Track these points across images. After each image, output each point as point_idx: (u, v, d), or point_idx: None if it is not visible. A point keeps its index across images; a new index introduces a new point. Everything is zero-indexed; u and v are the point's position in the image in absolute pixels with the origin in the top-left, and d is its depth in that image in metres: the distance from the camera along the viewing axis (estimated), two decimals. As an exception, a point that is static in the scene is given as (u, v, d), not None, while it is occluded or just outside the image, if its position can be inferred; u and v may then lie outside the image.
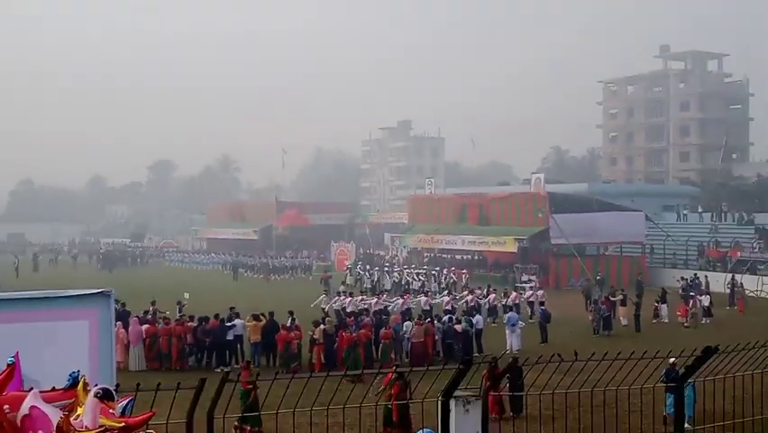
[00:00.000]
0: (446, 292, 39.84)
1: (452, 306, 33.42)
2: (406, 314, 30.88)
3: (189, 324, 27.13)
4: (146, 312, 29.39)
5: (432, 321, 27.97)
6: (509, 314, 31.36)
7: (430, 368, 6.80)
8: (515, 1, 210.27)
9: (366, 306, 33.68)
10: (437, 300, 36.72)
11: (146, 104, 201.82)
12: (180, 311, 31.40)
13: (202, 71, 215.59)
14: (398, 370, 16.27)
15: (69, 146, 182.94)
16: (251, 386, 15.73)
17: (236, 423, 15.65)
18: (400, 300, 34.90)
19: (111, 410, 4.37)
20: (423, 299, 36.25)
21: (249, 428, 15.92)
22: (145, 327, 26.58)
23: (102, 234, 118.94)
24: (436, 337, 27.38)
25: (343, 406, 7.67)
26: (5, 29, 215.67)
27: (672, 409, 13.13)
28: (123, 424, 4.39)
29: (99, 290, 8.42)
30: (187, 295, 36.72)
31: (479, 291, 37.46)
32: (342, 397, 7.78)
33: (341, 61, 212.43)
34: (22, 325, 7.35)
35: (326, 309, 33.63)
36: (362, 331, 25.77)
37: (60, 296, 8.39)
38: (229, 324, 26.91)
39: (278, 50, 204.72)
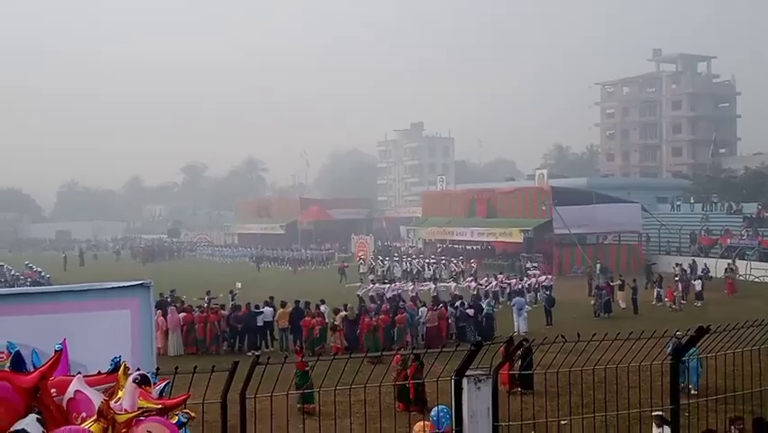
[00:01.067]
0: (451, 280, 40.11)
1: (458, 292, 33.47)
2: (416, 299, 30.87)
3: (222, 312, 27.30)
4: (180, 301, 29.76)
5: (445, 306, 28.01)
6: (516, 299, 31.40)
7: (444, 349, 6.54)
8: (519, 12, 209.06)
9: (400, 291, 33.95)
10: (443, 287, 36.73)
11: (179, 112, 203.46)
12: (233, 299, 31.66)
13: (233, 83, 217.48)
14: (415, 352, 16.47)
15: (110, 153, 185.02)
16: (307, 368, 16.34)
17: (298, 404, 15.81)
18: (410, 286, 35.36)
19: (149, 394, 4.37)
20: (431, 285, 36.33)
21: (306, 405, 16.13)
22: (182, 315, 26.80)
23: (141, 231, 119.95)
24: (450, 321, 27.44)
25: (364, 385, 7.66)
26: (65, 60, 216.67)
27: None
28: (161, 406, 4.39)
29: (140, 282, 8.26)
30: (239, 285, 37.20)
31: (484, 280, 37.49)
32: (363, 377, 7.79)
33: (358, 69, 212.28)
34: (70, 314, 7.33)
35: (361, 295, 33.57)
36: (381, 317, 25.98)
37: (104, 288, 8.22)
38: (257, 311, 27.10)
39: (302, 60, 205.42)
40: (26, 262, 57.73)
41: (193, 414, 4.74)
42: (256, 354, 19.89)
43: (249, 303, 27.75)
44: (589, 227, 54.18)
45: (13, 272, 49.74)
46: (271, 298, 28.53)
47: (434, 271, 48.54)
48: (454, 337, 26.87)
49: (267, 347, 26.40)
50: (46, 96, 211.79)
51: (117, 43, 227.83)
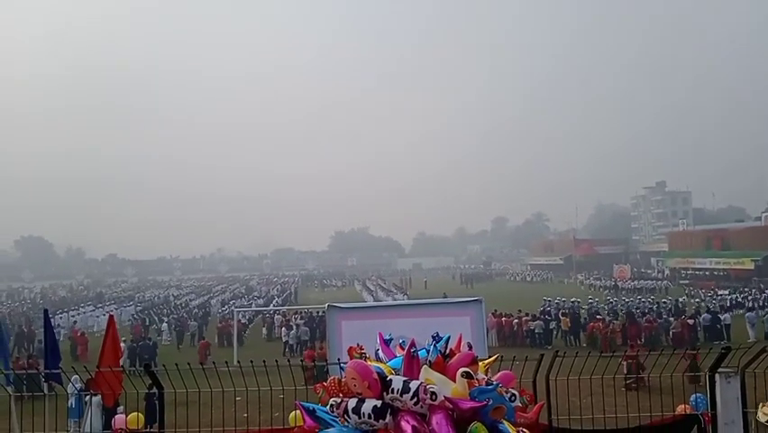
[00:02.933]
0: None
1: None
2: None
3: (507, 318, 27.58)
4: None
5: (691, 318, 27.14)
6: (748, 313, 28.78)
7: (698, 351, 6.25)
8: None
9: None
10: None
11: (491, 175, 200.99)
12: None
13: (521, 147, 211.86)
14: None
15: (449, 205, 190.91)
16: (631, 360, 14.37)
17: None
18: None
19: (475, 382, 3.72)
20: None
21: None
22: (495, 320, 27.14)
23: (465, 262, 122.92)
24: (698, 329, 26.30)
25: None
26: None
27: None
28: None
29: (475, 298, 8.40)
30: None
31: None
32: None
33: (610, 135, 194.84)
34: (428, 319, 7.42)
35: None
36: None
37: (452, 301, 8.88)
38: (538, 319, 27.12)
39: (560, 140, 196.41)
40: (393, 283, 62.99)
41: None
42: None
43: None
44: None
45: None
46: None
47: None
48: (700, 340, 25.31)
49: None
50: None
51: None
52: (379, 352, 4.27)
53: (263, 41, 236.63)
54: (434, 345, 3.95)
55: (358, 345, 4.17)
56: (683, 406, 7.12)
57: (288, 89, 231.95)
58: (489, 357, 4.68)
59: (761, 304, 34.40)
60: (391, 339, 4.40)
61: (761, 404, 6.87)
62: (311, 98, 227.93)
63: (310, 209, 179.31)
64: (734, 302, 34.54)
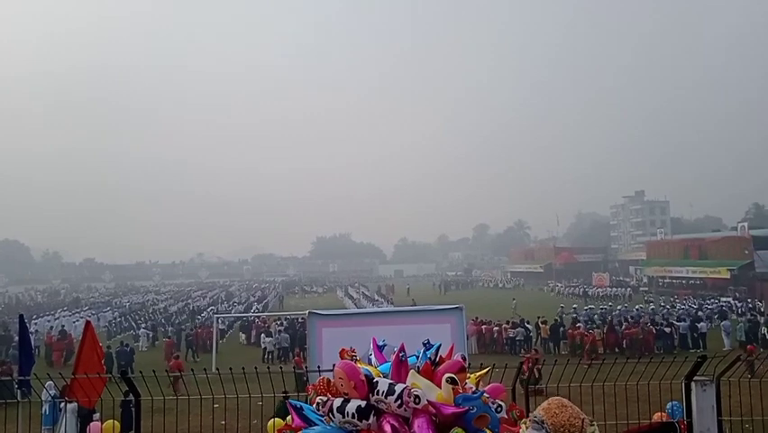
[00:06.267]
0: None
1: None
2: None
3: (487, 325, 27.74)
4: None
5: (669, 326, 27.25)
6: (723, 322, 28.98)
7: (675, 360, 5.90)
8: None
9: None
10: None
11: (482, 187, 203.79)
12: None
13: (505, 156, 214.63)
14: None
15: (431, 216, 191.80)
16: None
17: None
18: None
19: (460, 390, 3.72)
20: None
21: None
22: (475, 327, 27.15)
23: (446, 269, 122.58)
24: (676, 336, 26.43)
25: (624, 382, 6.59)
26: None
27: None
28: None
29: (456, 306, 8.39)
30: (514, 300, 38.92)
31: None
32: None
33: (594, 148, 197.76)
34: (409, 326, 7.44)
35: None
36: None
37: (433, 309, 8.71)
38: (519, 326, 27.26)
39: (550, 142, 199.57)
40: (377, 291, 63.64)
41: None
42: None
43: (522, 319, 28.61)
44: (786, 266, 48.62)
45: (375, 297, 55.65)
46: (539, 317, 28.53)
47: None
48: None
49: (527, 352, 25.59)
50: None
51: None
52: (372, 357, 4.30)
53: (250, 44, 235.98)
54: (424, 352, 3.99)
55: (351, 348, 4.18)
56: (660, 414, 7.19)
57: (273, 93, 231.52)
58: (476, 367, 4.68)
59: (740, 312, 34.96)
60: (385, 345, 4.44)
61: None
62: (296, 103, 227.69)
63: (292, 214, 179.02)
64: (690, 313, 34.60)
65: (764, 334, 27.03)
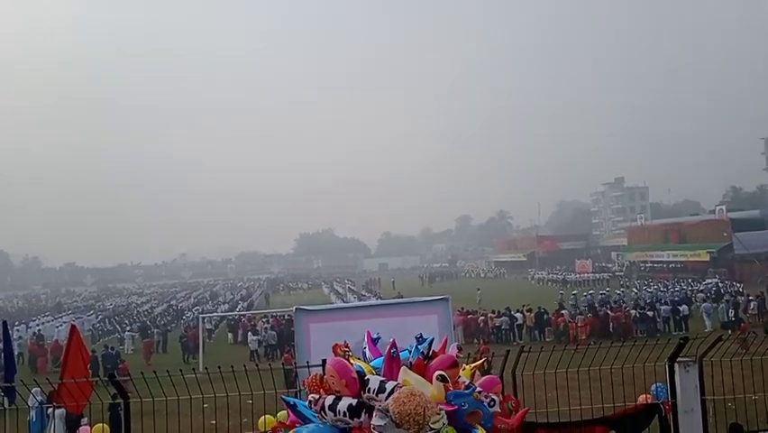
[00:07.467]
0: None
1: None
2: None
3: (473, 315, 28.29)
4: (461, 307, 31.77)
5: (651, 309, 27.92)
6: (704, 304, 29.46)
7: (658, 342, 5.94)
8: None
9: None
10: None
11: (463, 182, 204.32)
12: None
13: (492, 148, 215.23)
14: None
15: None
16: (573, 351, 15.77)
17: None
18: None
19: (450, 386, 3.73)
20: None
21: None
22: (461, 317, 27.46)
23: (431, 261, 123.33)
24: (658, 319, 26.99)
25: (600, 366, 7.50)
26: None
27: None
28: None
29: (442, 297, 8.43)
30: (479, 290, 39.49)
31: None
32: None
33: (581, 134, 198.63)
34: (395, 319, 7.48)
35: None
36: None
37: (419, 300, 8.75)
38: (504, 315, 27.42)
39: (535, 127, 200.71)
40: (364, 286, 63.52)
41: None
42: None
43: (508, 308, 28.46)
44: (763, 247, 49.49)
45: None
46: (524, 305, 28.85)
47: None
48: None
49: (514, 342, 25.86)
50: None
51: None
52: (366, 350, 4.30)
53: (233, 35, 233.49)
54: (416, 347, 3.99)
55: (345, 342, 4.18)
56: (645, 395, 7.34)
57: (253, 86, 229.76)
58: (478, 360, 4.70)
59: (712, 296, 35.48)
60: (379, 338, 4.42)
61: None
62: (276, 98, 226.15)
63: (274, 211, 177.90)
64: (656, 297, 35.07)
65: (746, 315, 27.65)
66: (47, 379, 7.11)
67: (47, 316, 47.06)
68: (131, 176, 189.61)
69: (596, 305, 31.45)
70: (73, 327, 10.80)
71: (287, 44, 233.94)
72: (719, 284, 40.29)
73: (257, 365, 6.24)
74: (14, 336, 30.86)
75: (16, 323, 40.12)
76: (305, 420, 3.82)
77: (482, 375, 4.28)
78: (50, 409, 9.42)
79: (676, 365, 5.91)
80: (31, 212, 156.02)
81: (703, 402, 5.93)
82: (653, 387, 7.59)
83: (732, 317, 26.81)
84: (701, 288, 39.36)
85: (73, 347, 9.51)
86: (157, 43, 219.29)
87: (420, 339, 4.05)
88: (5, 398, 9.53)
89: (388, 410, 3.46)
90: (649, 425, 6.19)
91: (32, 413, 11.40)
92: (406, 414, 3.40)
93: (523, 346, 6.15)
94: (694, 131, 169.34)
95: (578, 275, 60.97)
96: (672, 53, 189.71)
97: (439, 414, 3.48)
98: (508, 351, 6.27)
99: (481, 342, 24.14)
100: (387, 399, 3.53)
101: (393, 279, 72.58)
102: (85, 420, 9.60)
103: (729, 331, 21.45)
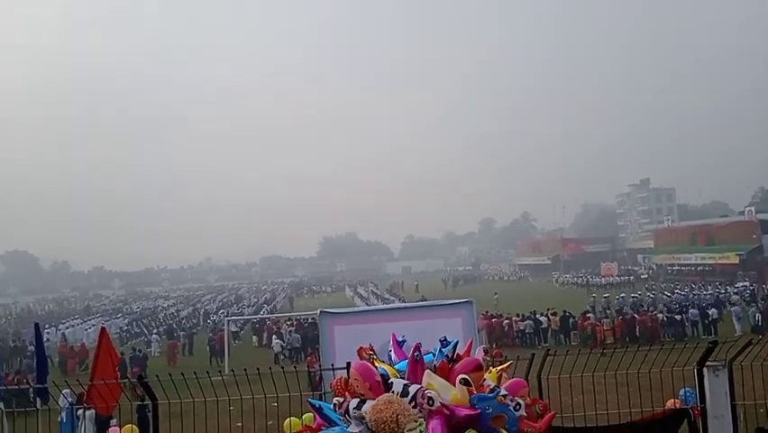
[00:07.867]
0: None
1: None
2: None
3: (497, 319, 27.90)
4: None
5: (679, 313, 27.44)
6: (734, 307, 28.95)
7: (686, 346, 5.75)
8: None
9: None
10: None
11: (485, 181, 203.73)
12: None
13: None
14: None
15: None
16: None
17: None
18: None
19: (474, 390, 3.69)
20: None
21: None
22: (486, 321, 27.18)
23: (454, 264, 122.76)
24: (686, 323, 26.60)
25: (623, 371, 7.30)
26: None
27: None
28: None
29: (467, 300, 8.39)
30: (496, 294, 39.20)
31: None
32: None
33: (601, 136, 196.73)
34: (420, 322, 7.46)
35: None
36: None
37: (443, 303, 8.78)
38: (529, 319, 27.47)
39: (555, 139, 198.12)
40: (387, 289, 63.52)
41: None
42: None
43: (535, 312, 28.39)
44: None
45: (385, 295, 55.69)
46: (549, 309, 28.55)
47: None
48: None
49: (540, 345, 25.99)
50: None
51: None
52: (391, 352, 4.30)
53: (249, 44, 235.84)
54: (441, 350, 3.98)
55: (370, 345, 4.19)
56: (673, 400, 7.14)
57: (274, 94, 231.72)
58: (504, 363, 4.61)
59: (747, 299, 34.70)
60: (404, 341, 4.42)
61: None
62: (297, 103, 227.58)
63: (298, 215, 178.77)
64: (689, 301, 34.36)
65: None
66: (77, 380, 7.24)
67: (76, 319, 48.02)
68: (160, 185, 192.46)
69: (625, 308, 31.00)
70: (103, 329, 10.99)
71: (301, 49, 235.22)
72: (749, 287, 39.39)
73: (282, 368, 6.27)
74: (45, 339, 31.56)
75: (46, 326, 41.02)
76: (331, 423, 3.83)
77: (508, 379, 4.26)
78: (81, 411, 9.59)
79: (705, 370, 5.77)
80: (60, 218, 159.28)
81: (733, 408, 5.78)
82: (682, 392, 7.42)
83: (758, 321, 26.24)
84: (735, 290, 38.45)
85: (103, 350, 9.69)
86: (176, 56, 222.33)
87: (444, 342, 4.03)
88: (38, 398, 9.74)
89: (364, 417, 3.48)
90: (678, 430, 6.06)
91: (63, 414, 11.63)
92: (381, 421, 3.41)
93: (548, 350, 6.08)
94: (722, 130, 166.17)
95: (602, 278, 60.20)
96: (700, 45, 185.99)
97: (416, 421, 3.48)
98: (533, 354, 6.21)
99: (493, 346, 23.87)
100: (410, 402, 3.51)
101: (416, 282, 72.49)
102: (114, 421, 9.76)
103: (760, 336, 20.98)
